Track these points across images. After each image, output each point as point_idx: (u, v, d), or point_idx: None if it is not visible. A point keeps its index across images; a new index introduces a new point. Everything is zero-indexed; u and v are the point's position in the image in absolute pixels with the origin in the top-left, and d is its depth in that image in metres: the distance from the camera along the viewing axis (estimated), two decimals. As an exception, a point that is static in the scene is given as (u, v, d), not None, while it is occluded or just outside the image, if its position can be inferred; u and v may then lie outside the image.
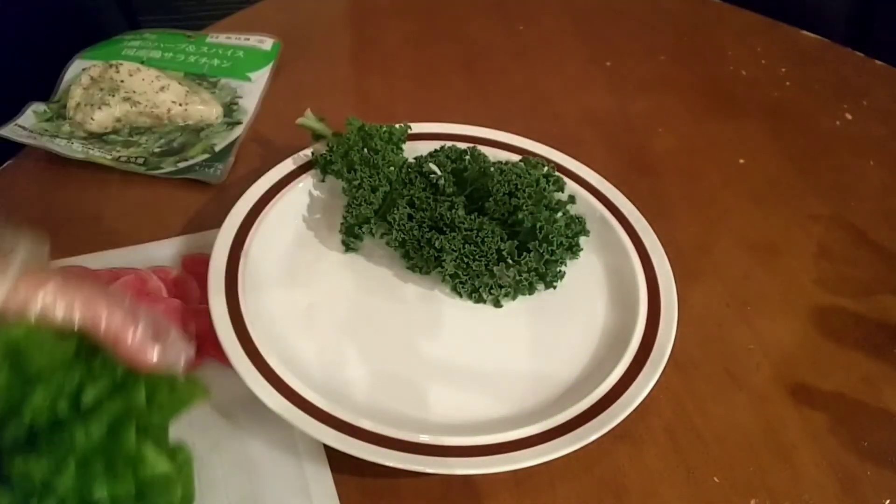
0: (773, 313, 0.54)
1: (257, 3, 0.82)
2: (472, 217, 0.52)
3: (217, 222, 0.52)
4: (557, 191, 0.56)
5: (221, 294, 0.47)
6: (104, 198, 0.59)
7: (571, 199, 0.56)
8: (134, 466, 0.33)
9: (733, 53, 0.78)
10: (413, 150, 0.60)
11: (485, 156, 0.57)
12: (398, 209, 0.52)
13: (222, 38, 0.74)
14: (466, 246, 0.50)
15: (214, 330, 0.45)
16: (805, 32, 0.81)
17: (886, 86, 0.74)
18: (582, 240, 0.54)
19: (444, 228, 0.52)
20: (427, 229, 0.52)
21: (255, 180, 0.55)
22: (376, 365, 0.48)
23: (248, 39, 0.73)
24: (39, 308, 0.33)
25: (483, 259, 0.50)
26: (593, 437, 0.42)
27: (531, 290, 0.52)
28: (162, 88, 0.64)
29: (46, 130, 0.62)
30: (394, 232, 0.52)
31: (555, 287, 0.52)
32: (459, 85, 0.73)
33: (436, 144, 0.60)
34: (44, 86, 0.67)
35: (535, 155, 0.60)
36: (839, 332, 0.53)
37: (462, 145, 0.57)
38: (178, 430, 0.36)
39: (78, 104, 0.63)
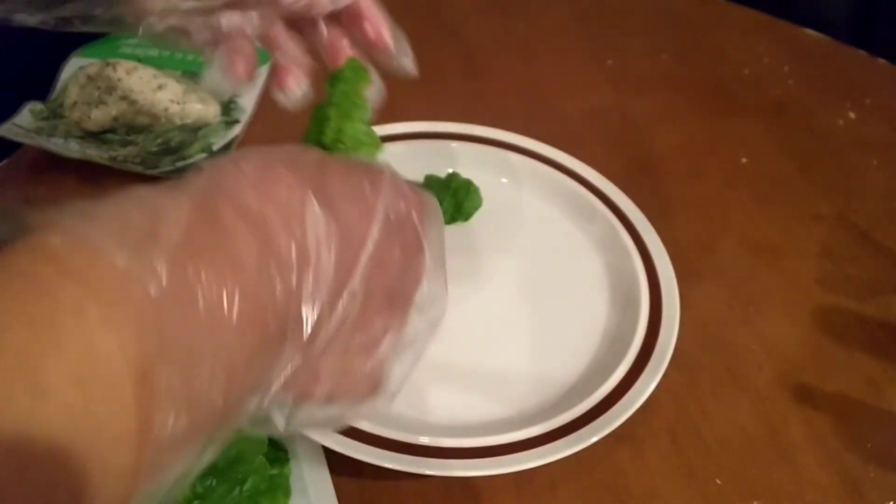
0: (776, 314, 0.53)
1: (256, 2, 0.82)
2: None
3: (215, 222, 0.52)
4: None
5: (219, 294, 0.47)
6: (102, 197, 0.59)
7: None
8: None
9: (735, 52, 0.78)
10: (413, 150, 0.59)
11: None
12: None
13: (221, 37, 0.73)
14: None
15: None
16: (808, 30, 0.80)
17: (890, 84, 0.74)
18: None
19: None
20: None
21: (253, 179, 0.55)
22: (375, 366, 0.47)
23: (247, 38, 0.73)
24: None
25: None
26: (594, 439, 0.42)
27: None
28: (159, 87, 0.64)
29: (43, 129, 0.62)
30: None
31: None
32: (459, 84, 0.73)
33: (435, 144, 0.59)
34: (41, 85, 0.67)
35: (535, 154, 0.59)
36: (842, 332, 0.52)
37: (461, 144, 0.56)
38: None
39: (75, 103, 0.62)
